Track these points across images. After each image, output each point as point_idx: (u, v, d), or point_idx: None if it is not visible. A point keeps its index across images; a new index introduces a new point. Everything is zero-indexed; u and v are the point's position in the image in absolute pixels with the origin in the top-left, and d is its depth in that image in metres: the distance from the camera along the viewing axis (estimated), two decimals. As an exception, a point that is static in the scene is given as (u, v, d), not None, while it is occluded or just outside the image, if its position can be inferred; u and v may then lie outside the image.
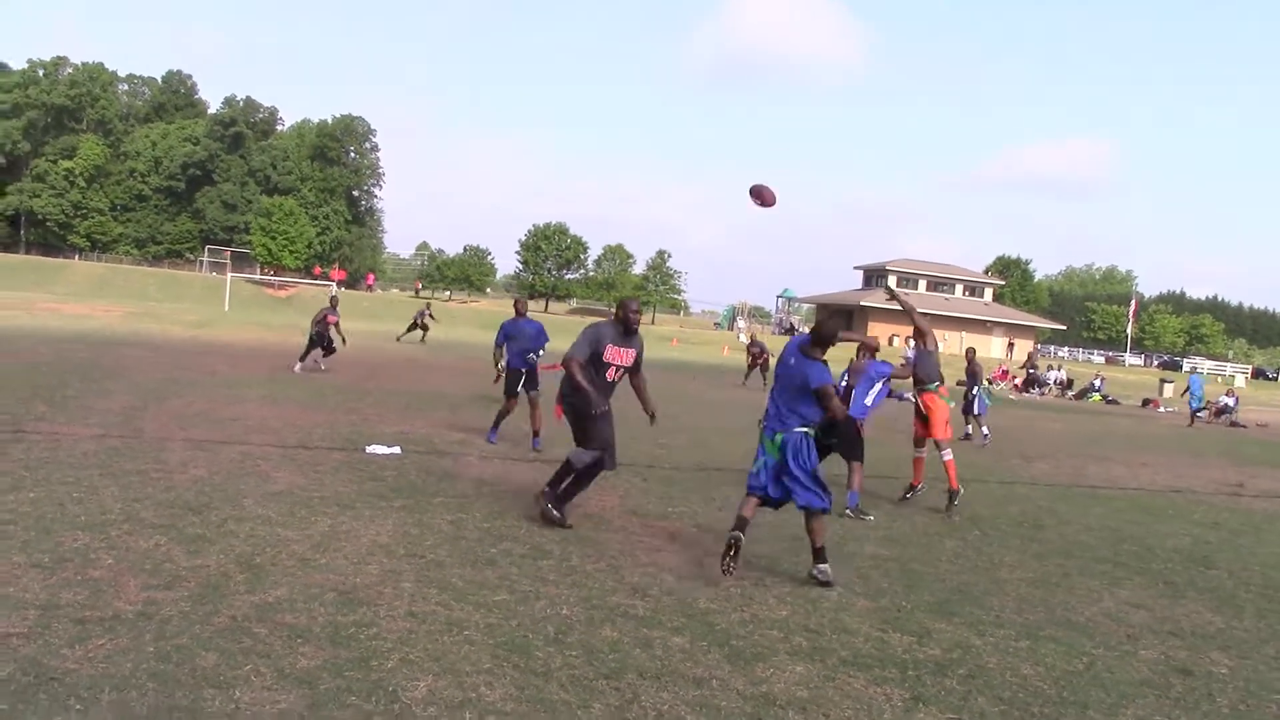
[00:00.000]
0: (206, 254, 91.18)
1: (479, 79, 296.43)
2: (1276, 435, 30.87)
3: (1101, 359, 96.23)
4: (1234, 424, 34.61)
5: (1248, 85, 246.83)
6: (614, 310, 8.90)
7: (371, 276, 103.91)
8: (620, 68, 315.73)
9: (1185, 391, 36.43)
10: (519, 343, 13.33)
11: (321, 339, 22.07)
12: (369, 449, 11.55)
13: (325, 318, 22.30)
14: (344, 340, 23.38)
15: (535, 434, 13.20)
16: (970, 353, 21.77)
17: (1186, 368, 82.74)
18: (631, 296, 8.87)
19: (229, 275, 67.57)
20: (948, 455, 11.44)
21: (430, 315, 39.55)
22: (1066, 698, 5.61)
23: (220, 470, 9.60)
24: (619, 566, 7.37)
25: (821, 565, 7.59)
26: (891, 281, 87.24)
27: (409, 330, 39.42)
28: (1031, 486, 14.07)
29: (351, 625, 5.65)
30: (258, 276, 79.44)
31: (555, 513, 8.62)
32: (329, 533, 7.66)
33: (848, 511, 10.27)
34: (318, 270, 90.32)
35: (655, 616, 6.37)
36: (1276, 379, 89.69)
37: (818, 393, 7.55)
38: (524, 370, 13.35)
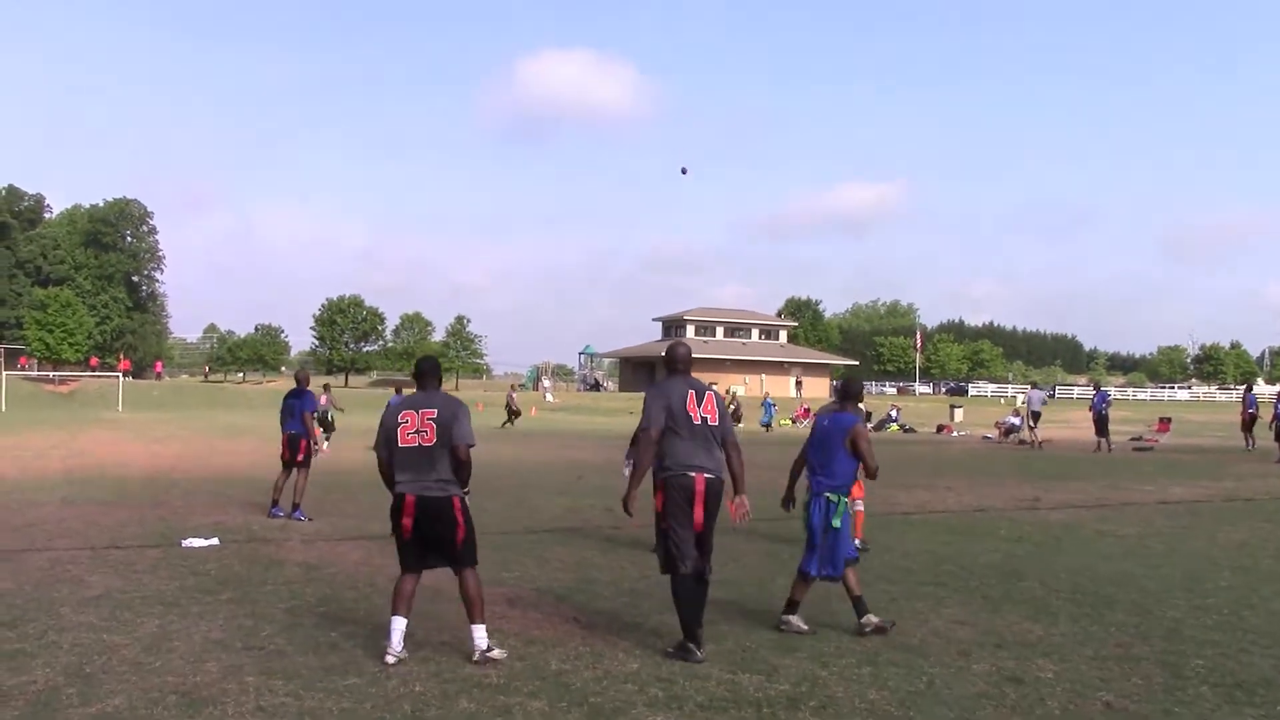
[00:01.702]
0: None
1: (264, 145, 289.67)
2: (1061, 450, 32.73)
3: (894, 390, 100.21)
4: (1021, 442, 36.52)
5: (1013, 117, 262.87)
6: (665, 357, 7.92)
7: (159, 364, 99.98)
8: (407, 133, 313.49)
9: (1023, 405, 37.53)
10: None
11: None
12: (185, 543, 11.15)
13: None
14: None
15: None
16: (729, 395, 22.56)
17: (985, 391, 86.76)
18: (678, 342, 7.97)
19: (2, 373, 63.78)
20: None
21: (514, 398, 41.82)
22: (914, 717, 5.86)
23: (29, 580, 9.12)
24: (463, 637, 7.31)
25: (868, 615, 7.84)
26: (690, 331, 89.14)
27: (509, 419, 41.17)
28: (848, 518, 14.55)
29: (200, 727, 5.46)
30: (35, 373, 75.33)
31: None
32: (158, 633, 7.38)
33: None
34: (94, 361, 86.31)
35: (509, 683, 6.36)
36: (1053, 396, 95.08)
37: (852, 432, 7.96)
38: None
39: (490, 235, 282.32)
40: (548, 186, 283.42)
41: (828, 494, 7.94)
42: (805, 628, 7.82)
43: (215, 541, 11.30)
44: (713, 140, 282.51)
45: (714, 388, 7.77)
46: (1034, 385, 37.56)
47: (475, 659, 6.79)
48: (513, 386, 43.00)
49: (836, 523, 7.87)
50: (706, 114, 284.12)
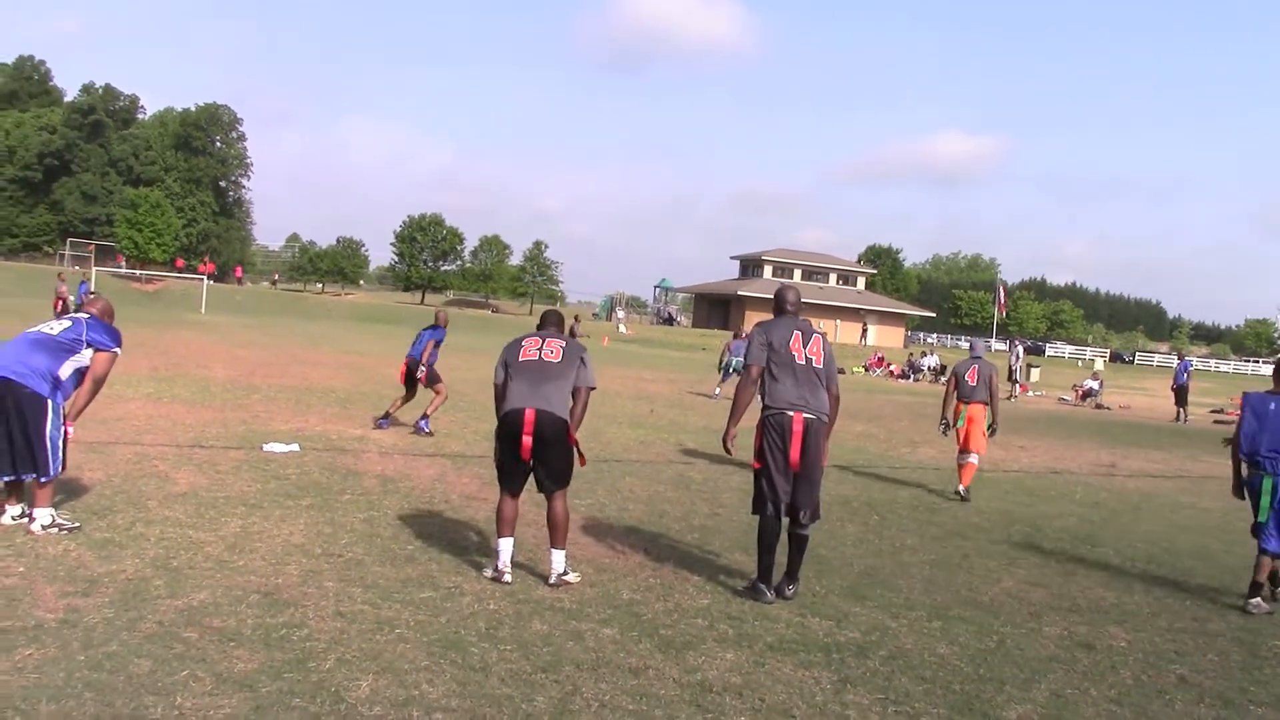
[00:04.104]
0: (68, 247, 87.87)
1: (352, 64, 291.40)
2: (1138, 417, 32.20)
3: (969, 345, 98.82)
4: (1099, 406, 35.98)
5: (1104, 86, 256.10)
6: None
7: (240, 270, 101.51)
8: (499, 54, 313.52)
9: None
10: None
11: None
12: (266, 447, 11.35)
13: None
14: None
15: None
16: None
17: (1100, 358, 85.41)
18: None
19: (94, 269, 65.26)
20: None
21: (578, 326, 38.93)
22: (983, 675, 5.84)
23: (117, 472, 9.35)
24: (537, 561, 7.41)
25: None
26: (767, 271, 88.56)
27: None
28: (920, 471, 14.49)
29: (282, 627, 5.60)
30: (123, 270, 76.88)
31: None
32: (241, 533, 7.55)
33: None
34: (180, 263, 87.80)
35: (582, 609, 6.44)
36: (1132, 362, 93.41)
37: None
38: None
39: (574, 163, 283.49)
40: (638, 117, 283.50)
41: None
42: (1268, 608, 7.90)
43: (295, 448, 11.50)
44: (811, 81, 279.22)
45: (823, 331, 7.71)
46: (1181, 356, 36.42)
47: (551, 581, 6.88)
48: (576, 318, 40.87)
49: None
50: (808, 54, 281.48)
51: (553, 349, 7.16)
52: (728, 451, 7.39)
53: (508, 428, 6.97)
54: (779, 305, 7.47)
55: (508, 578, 6.88)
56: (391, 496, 9.45)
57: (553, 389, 7.01)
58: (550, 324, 7.55)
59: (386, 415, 14.29)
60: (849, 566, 8.25)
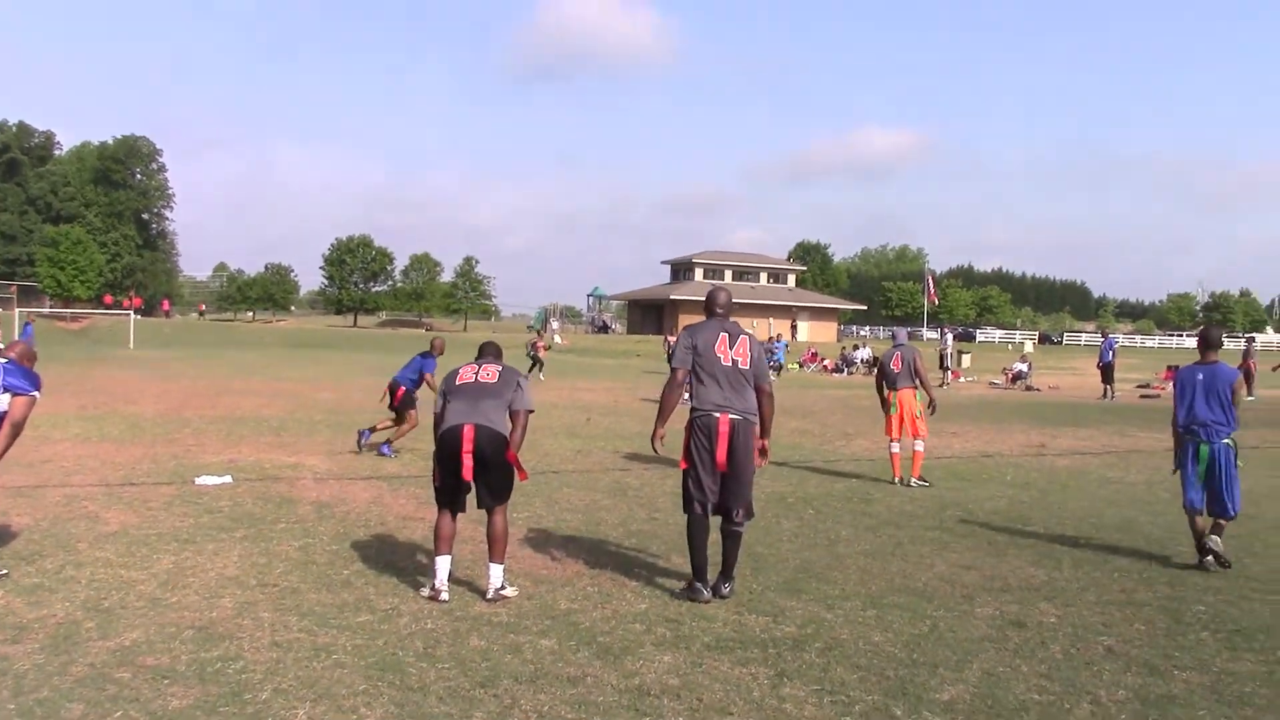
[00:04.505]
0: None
1: (275, 88, 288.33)
2: (1067, 396, 32.75)
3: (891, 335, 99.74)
4: (1029, 388, 36.57)
5: (1024, 70, 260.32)
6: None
7: (167, 302, 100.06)
8: (425, 71, 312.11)
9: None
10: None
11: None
12: (198, 481, 11.25)
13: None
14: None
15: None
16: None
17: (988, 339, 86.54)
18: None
19: (16, 310, 63.92)
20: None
21: (540, 342, 37.16)
22: (917, 659, 5.95)
23: (46, 515, 9.23)
24: (475, 577, 7.42)
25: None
26: (699, 274, 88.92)
27: (533, 369, 35.32)
28: (855, 463, 14.68)
29: (217, 661, 5.57)
30: (48, 309, 75.45)
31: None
32: (174, 570, 7.49)
33: None
34: (108, 299, 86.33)
35: (520, 621, 6.47)
36: (1061, 343, 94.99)
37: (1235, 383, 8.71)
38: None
39: (503, 177, 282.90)
40: (563, 128, 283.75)
41: (1226, 440, 8.57)
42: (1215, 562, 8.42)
43: (228, 479, 11.41)
44: (733, 83, 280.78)
45: (751, 332, 7.81)
46: (1106, 334, 36.71)
47: (489, 596, 6.91)
48: (538, 333, 39.82)
49: (1241, 463, 8.73)
50: (728, 56, 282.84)
51: (489, 373, 7.30)
52: (655, 451, 7.48)
53: (447, 446, 7.01)
54: (709, 307, 7.58)
55: (445, 595, 6.89)
56: (327, 522, 9.41)
57: (490, 406, 7.10)
58: (488, 354, 7.65)
59: (388, 442, 14.28)
60: (785, 562, 8.34)
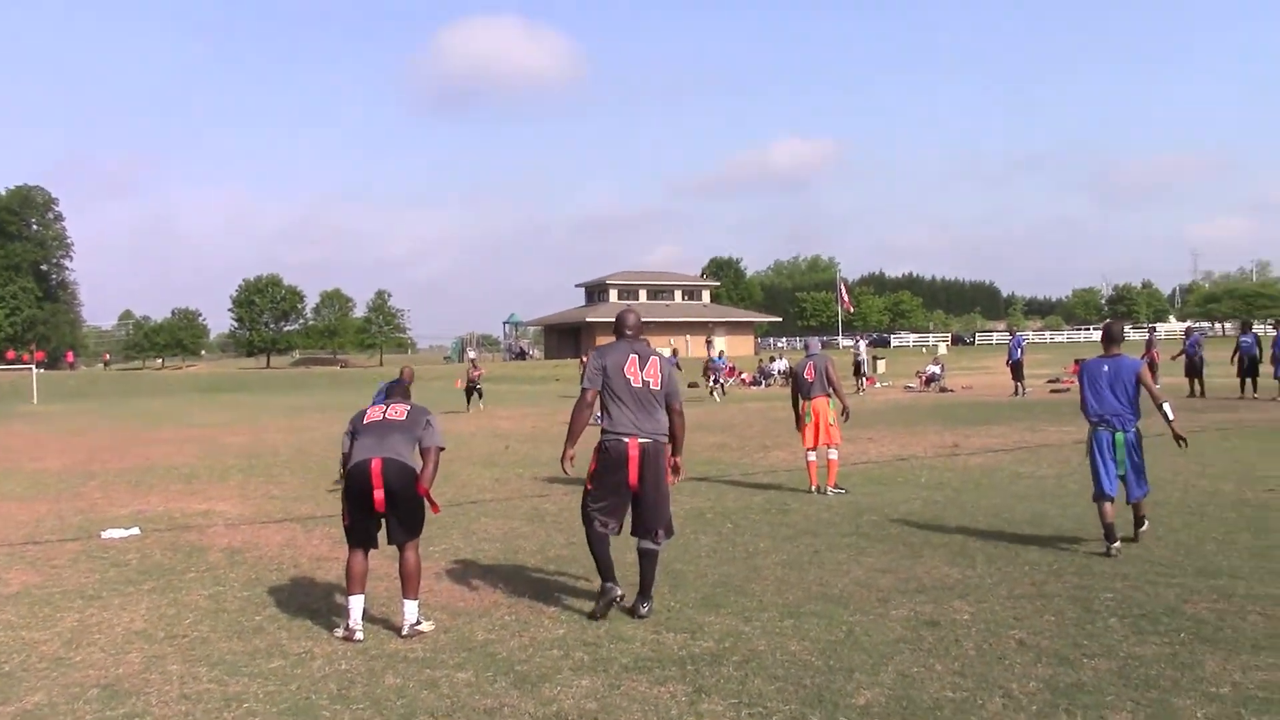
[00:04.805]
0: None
1: (176, 132, 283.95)
2: (980, 395, 33.30)
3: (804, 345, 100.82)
4: (943, 390, 37.12)
5: (937, 72, 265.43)
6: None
7: (71, 354, 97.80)
8: (328, 107, 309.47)
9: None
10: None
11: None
12: (105, 534, 10.98)
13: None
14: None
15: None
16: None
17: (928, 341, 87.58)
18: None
19: (-90, 371, 62.05)
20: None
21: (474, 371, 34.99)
22: (834, 665, 5.99)
23: (-58, 581, 8.93)
24: (391, 614, 7.32)
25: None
26: (613, 295, 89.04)
27: (472, 397, 33.71)
28: (773, 474, 14.78)
29: (122, 718, 5.43)
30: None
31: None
32: (79, 627, 7.30)
33: None
34: (10, 354, 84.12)
35: (436, 656, 6.39)
36: (973, 343, 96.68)
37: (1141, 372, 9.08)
38: None
39: (414, 208, 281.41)
40: (474, 156, 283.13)
41: (1135, 429, 9.00)
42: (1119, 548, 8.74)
43: (136, 531, 11.15)
44: (645, 101, 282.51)
45: (662, 353, 7.85)
46: (1014, 333, 37.06)
47: (405, 633, 6.82)
48: (473, 363, 38.34)
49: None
50: (638, 75, 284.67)
51: (398, 410, 7.27)
52: (565, 472, 7.51)
53: (356, 482, 6.93)
54: (618, 329, 7.61)
55: (360, 635, 6.79)
56: (238, 568, 9.23)
57: (398, 440, 7.05)
58: (396, 394, 7.65)
59: None
60: (704, 577, 8.36)
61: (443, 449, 7.30)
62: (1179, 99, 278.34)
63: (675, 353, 34.00)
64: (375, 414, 7.24)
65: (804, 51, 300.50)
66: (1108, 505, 8.90)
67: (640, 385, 7.27)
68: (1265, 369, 27.22)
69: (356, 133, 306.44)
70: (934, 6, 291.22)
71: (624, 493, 7.19)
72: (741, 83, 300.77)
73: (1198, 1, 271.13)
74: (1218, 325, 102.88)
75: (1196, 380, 27.91)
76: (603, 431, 7.31)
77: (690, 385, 38.76)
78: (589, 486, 7.32)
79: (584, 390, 7.40)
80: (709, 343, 48.05)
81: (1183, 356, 28.98)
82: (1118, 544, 8.70)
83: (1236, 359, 27.32)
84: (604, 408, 7.33)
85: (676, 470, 7.52)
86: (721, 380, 37.95)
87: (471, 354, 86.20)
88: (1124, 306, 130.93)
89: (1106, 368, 9.02)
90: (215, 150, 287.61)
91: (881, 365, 49.54)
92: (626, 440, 7.16)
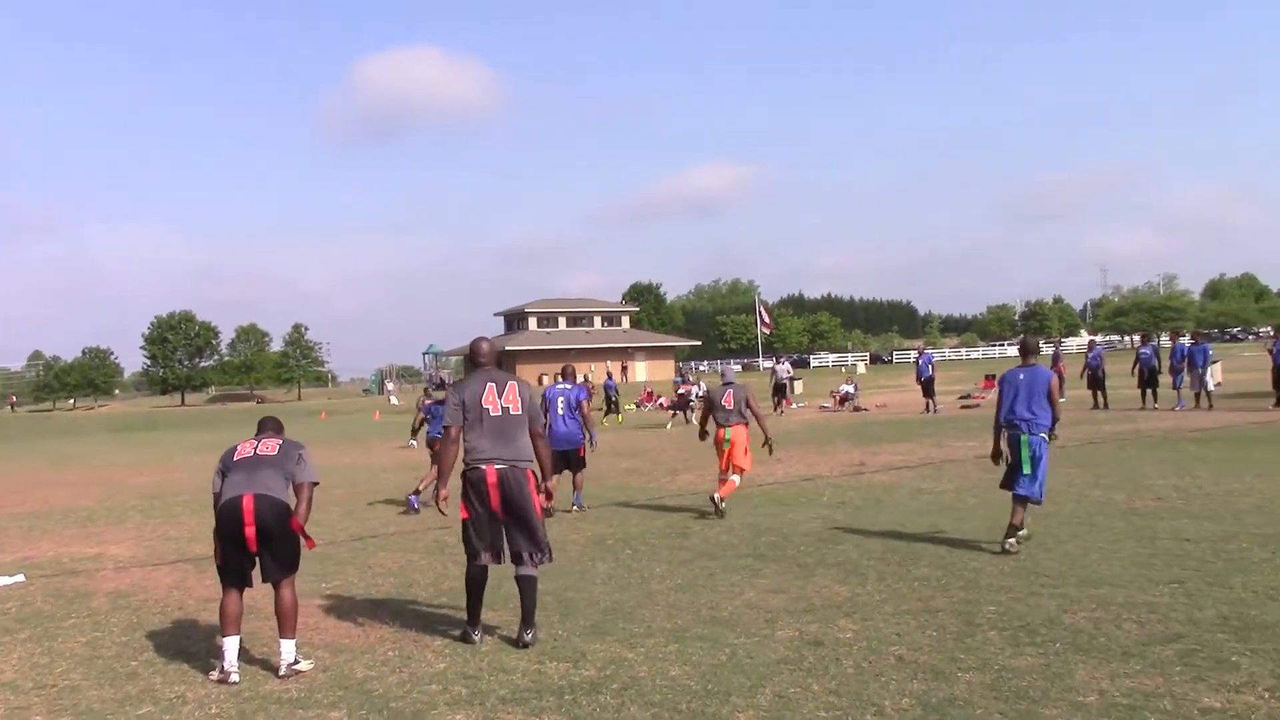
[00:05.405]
0: None
1: (87, 168, 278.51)
2: (893, 413, 33.66)
3: (739, 367, 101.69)
4: (857, 409, 37.46)
5: (854, 96, 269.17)
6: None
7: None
8: (244, 142, 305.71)
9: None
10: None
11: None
12: (-13, 583, 10.64)
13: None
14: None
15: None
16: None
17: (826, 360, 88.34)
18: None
19: None
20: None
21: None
22: (711, 689, 5.96)
23: None
24: (269, 654, 7.16)
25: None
26: (532, 323, 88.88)
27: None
28: (678, 498, 14.77)
29: (-27, 774, 5.24)
30: None
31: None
32: (-58, 682, 7.03)
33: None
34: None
35: (310, 695, 6.26)
36: (891, 361, 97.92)
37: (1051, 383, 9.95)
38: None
39: (332, 242, 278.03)
40: (393, 188, 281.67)
41: (1042, 434, 9.72)
42: (1018, 547, 9.41)
43: (20, 578, 10.82)
44: (565, 130, 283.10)
45: (517, 378, 7.82)
46: (922, 351, 37.36)
47: (282, 673, 6.68)
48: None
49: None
50: (558, 105, 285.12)
51: (269, 446, 7.14)
52: (441, 513, 7.60)
53: (227, 519, 6.79)
54: (472, 359, 7.71)
55: (235, 677, 6.63)
56: (121, 613, 8.99)
57: (269, 476, 6.92)
58: (268, 429, 7.49)
59: (416, 492, 15.00)
60: (595, 604, 8.30)
61: (316, 484, 7.17)
62: (1088, 117, 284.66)
63: (586, 379, 33.83)
64: (246, 450, 7.09)
65: (720, 77, 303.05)
66: (1020, 507, 9.59)
67: (499, 413, 7.34)
68: (1164, 379, 27.87)
69: (273, 167, 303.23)
70: (846, 32, 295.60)
71: (495, 520, 7.22)
72: (660, 109, 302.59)
73: (1113, 12, 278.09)
74: (1125, 338, 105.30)
75: (1099, 392, 28.58)
76: (465, 463, 7.36)
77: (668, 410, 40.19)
78: (463, 516, 7.35)
79: (446, 428, 7.51)
80: (624, 368, 48.51)
81: (1085, 369, 29.66)
82: (1013, 540, 9.39)
83: (1136, 370, 28.00)
84: (465, 439, 7.38)
85: (549, 495, 7.54)
86: (615, 399, 41.01)
87: (391, 386, 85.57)
88: (1036, 322, 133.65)
89: (1023, 376, 9.91)
90: (126, 189, 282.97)
91: (799, 386, 49.88)
92: (484, 468, 7.24)
